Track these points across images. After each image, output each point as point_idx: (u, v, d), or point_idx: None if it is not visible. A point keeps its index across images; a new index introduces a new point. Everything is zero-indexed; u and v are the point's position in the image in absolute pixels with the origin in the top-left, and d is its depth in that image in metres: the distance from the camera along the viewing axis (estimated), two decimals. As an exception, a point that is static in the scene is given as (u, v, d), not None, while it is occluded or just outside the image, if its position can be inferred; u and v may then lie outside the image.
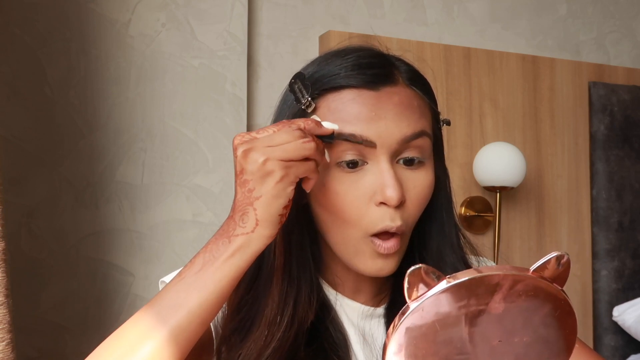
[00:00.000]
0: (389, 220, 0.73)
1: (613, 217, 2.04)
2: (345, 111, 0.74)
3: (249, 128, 1.76)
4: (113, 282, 1.57)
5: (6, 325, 0.99)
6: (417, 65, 0.85)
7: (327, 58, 0.79)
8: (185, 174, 1.67)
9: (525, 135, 1.99)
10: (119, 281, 1.58)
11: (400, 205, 0.74)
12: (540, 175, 2.00)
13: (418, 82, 0.80)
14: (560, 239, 2.02)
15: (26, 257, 1.51)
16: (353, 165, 0.74)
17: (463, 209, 1.89)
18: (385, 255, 0.76)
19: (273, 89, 1.79)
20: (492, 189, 1.83)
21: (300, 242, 0.79)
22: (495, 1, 2.10)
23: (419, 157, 0.76)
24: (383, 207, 0.73)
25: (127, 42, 1.63)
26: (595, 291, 2.03)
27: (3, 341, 0.98)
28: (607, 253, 2.03)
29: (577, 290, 2.02)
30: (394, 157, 0.75)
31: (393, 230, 0.74)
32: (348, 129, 0.73)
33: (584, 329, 2.01)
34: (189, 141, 1.67)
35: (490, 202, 1.91)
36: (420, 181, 0.76)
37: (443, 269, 0.83)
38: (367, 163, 0.74)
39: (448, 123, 0.84)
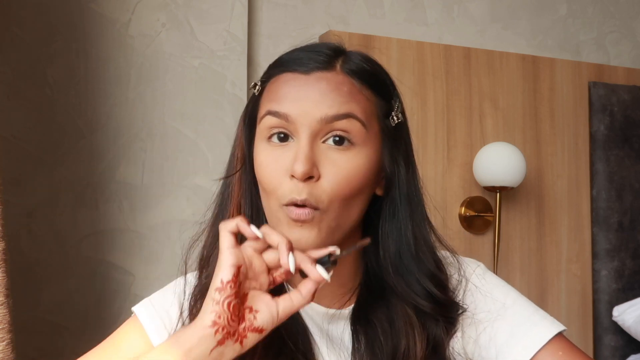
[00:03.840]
0: (296, 193, 0.77)
1: (613, 217, 2.04)
2: (277, 92, 0.81)
3: (249, 128, 1.76)
4: (113, 282, 1.57)
5: (6, 325, 0.99)
6: (392, 68, 0.88)
7: (291, 50, 0.85)
8: (185, 174, 1.67)
9: (525, 135, 1.99)
10: (119, 281, 1.58)
11: (310, 180, 0.77)
12: (540, 175, 2.00)
13: (360, 74, 0.82)
14: (560, 239, 2.02)
15: (26, 257, 1.51)
16: (280, 140, 0.79)
17: (463, 209, 1.89)
18: (300, 224, 0.78)
19: (273, 89, 1.79)
20: (492, 189, 1.83)
21: (252, 217, 0.85)
22: (495, 1, 2.11)
23: (345, 137, 0.78)
24: (294, 180, 0.77)
25: (127, 42, 1.63)
26: (595, 291, 2.03)
27: (3, 341, 0.98)
28: (607, 253, 2.02)
29: (577, 290, 2.02)
30: (317, 136, 0.78)
31: (299, 202, 0.77)
32: (275, 107, 0.79)
33: (584, 329, 2.01)
34: (189, 141, 1.67)
35: (490, 202, 1.91)
36: (341, 161, 0.78)
37: (401, 270, 0.84)
38: (293, 140, 0.79)
39: (400, 118, 0.85)
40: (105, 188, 1.59)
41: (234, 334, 0.69)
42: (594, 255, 2.04)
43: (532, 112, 2.01)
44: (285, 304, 0.71)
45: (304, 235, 0.78)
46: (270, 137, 0.80)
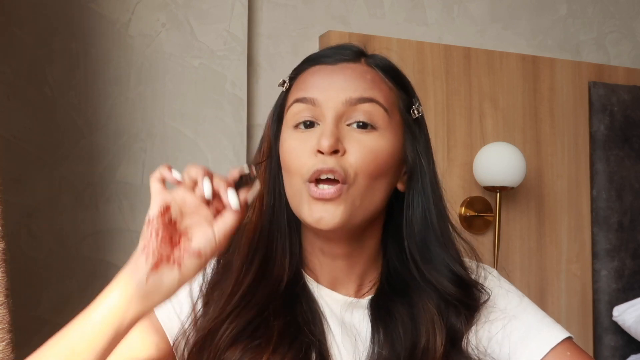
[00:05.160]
0: (321, 162, 0.80)
1: (613, 217, 2.04)
2: (305, 82, 0.85)
3: (249, 128, 1.76)
4: (113, 282, 1.57)
5: (6, 325, 0.99)
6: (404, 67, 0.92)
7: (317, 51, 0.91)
8: (185, 174, 1.67)
9: (525, 135, 1.99)
10: (119, 281, 1.58)
11: (335, 154, 0.80)
12: (540, 175, 2.00)
13: (383, 67, 0.87)
14: (560, 239, 2.02)
15: (26, 257, 1.51)
16: (306, 127, 0.83)
17: (463, 209, 1.89)
18: (322, 202, 0.80)
19: (273, 89, 1.78)
20: (492, 189, 1.83)
21: (273, 207, 0.87)
22: (495, 1, 2.10)
23: (368, 122, 0.82)
24: (319, 155, 0.80)
25: (127, 42, 1.63)
26: (595, 291, 2.03)
27: (3, 341, 0.98)
28: (607, 253, 2.02)
29: (577, 290, 2.02)
30: (342, 118, 0.82)
31: (324, 172, 0.79)
32: (303, 94, 0.84)
33: (584, 329, 2.01)
34: (189, 141, 1.67)
35: (490, 202, 1.91)
36: (365, 141, 0.82)
37: (428, 256, 0.87)
38: (319, 124, 0.83)
39: (420, 112, 0.90)
40: (105, 188, 1.59)
41: (168, 259, 0.70)
42: (594, 255, 2.04)
43: (532, 112, 2.01)
44: (220, 225, 0.72)
45: (328, 211, 0.80)
46: (297, 125, 0.83)
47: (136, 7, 1.64)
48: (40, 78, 1.55)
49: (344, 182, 0.80)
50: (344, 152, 0.81)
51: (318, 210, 0.80)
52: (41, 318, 1.51)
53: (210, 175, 0.73)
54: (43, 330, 1.51)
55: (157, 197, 0.74)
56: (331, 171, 0.79)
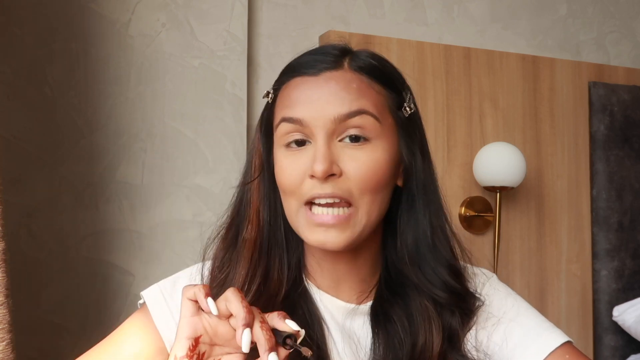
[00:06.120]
0: (318, 189, 0.78)
1: (613, 217, 2.04)
2: (289, 97, 0.82)
3: (249, 128, 1.76)
4: (113, 282, 1.57)
5: (6, 325, 0.99)
6: (397, 63, 0.89)
7: (299, 55, 0.88)
8: (185, 174, 1.67)
9: (525, 135, 1.99)
10: (119, 281, 1.58)
11: (332, 177, 0.78)
12: (540, 175, 2.00)
13: (368, 70, 0.83)
14: (560, 239, 2.02)
15: (26, 257, 1.51)
16: (298, 144, 0.81)
17: (463, 209, 1.89)
18: (324, 227, 0.79)
19: (273, 89, 1.79)
20: (492, 189, 1.83)
21: (269, 222, 0.86)
22: (495, 1, 2.11)
23: (361, 135, 0.80)
24: (314, 179, 0.79)
25: (127, 42, 1.63)
26: (595, 291, 2.03)
27: (3, 341, 0.98)
28: (607, 253, 2.02)
29: (577, 290, 2.02)
30: (334, 135, 0.80)
31: (322, 197, 0.78)
32: (289, 113, 0.81)
33: (584, 329, 2.01)
34: (189, 141, 1.67)
35: (490, 202, 1.91)
36: (361, 156, 0.79)
37: (418, 260, 0.86)
38: (310, 142, 0.80)
39: (412, 109, 0.87)
40: (105, 188, 1.59)
41: None
42: (594, 255, 2.04)
43: (532, 112, 2.01)
44: None
45: (331, 235, 0.79)
46: (288, 144, 0.81)
47: (136, 7, 1.64)
48: (40, 78, 1.55)
49: (350, 204, 0.78)
50: (341, 174, 0.79)
51: (321, 234, 0.79)
52: (41, 318, 1.51)
53: (251, 320, 0.67)
54: (43, 330, 1.51)
55: (187, 326, 0.68)
56: (331, 196, 0.78)
